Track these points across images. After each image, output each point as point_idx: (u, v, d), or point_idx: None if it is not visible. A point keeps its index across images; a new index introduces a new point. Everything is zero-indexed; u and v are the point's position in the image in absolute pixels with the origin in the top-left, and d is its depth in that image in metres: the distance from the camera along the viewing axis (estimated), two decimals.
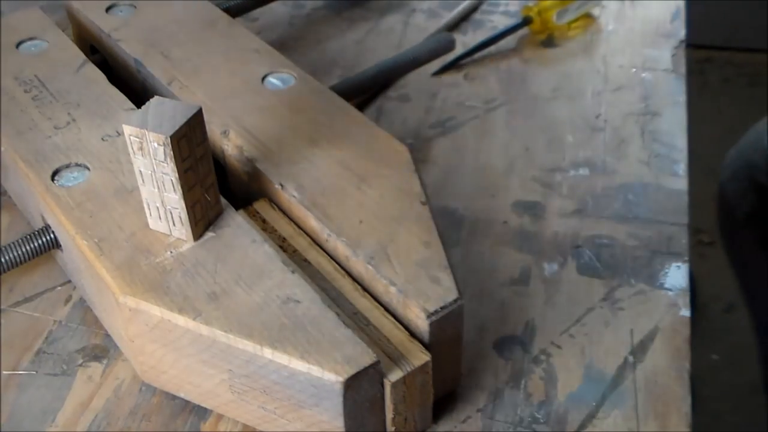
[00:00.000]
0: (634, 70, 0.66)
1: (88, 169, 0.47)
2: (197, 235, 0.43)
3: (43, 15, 0.61)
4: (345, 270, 0.43)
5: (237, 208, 0.46)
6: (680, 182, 0.56)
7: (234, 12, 0.66)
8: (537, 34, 0.70)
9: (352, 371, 0.37)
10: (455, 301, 0.40)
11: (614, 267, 0.50)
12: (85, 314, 0.49)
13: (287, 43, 0.71)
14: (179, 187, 0.41)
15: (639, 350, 0.45)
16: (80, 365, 0.46)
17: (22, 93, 0.53)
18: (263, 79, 0.54)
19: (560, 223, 0.53)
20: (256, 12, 0.74)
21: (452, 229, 0.53)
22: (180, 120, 0.40)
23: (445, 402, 0.43)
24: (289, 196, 0.45)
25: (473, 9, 0.74)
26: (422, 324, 0.39)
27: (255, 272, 0.41)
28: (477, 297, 0.49)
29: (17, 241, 0.47)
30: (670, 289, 0.49)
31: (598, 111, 0.62)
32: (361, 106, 0.63)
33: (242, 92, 0.53)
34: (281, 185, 0.46)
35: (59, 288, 0.50)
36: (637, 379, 0.44)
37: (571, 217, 0.54)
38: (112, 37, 0.58)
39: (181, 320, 0.39)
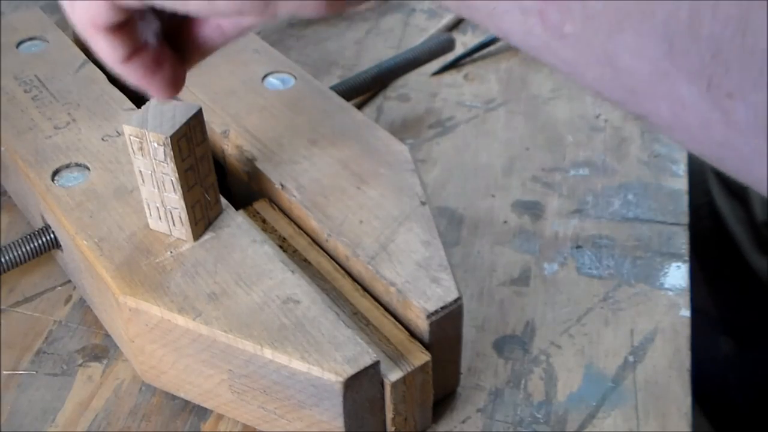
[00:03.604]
0: None
1: (88, 169, 0.47)
2: (197, 235, 0.43)
3: (43, 15, 0.61)
4: (345, 270, 0.43)
5: (237, 208, 0.46)
6: (680, 182, 0.56)
7: None
8: None
9: (352, 371, 0.37)
10: (455, 301, 0.40)
11: (614, 267, 0.50)
12: (85, 314, 0.49)
13: (287, 43, 0.71)
14: (179, 187, 0.41)
15: (639, 350, 0.45)
16: (80, 365, 0.46)
17: (22, 93, 0.53)
18: (263, 79, 0.54)
19: (560, 223, 0.53)
20: None
21: (452, 229, 0.53)
22: (180, 120, 0.40)
23: (445, 402, 0.43)
24: (290, 196, 0.45)
25: None
26: (422, 324, 0.39)
27: (255, 272, 0.41)
28: (477, 297, 0.49)
29: (17, 241, 0.47)
30: (670, 289, 0.49)
31: (598, 111, 0.62)
32: (361, 106, 0.63)
33: (242, 92, 0.53)
34: (281, 185, 0.46)
35: (59, 288, 0.50)
36: (637, 379, 0.44)
37: (571, 217, 0.54)
38: None
39: (181, 320, 0.39)
